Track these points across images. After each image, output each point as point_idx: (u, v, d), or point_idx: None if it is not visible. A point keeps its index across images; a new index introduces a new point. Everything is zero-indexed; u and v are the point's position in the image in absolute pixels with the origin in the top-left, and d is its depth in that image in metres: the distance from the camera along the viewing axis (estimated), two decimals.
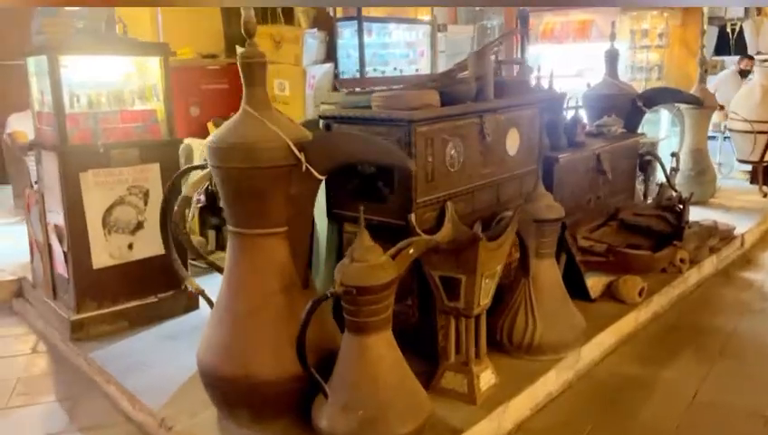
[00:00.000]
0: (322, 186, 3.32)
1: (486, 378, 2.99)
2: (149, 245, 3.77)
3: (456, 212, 3.24)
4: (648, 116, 7.43)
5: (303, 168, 2.54)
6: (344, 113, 3.15)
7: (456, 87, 3.20)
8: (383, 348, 2.50)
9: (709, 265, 4.88)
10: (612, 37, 5.31)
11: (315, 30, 5.45)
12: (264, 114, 2.59)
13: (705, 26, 7.09)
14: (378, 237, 3.21)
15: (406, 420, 2.46)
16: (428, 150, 3.03)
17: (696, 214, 5.76)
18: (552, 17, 7.83)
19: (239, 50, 2.64)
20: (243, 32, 2.65)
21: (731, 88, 7.43)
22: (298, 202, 2.63)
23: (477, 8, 7.93)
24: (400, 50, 6.15)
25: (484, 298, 2.92)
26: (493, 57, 3.93)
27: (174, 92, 5.22)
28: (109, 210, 3.66)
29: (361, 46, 5.43)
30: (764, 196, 6.81)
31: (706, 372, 3.40)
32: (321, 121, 3.25)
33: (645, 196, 5.30)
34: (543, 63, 7.69)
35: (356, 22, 5.43)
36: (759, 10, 12.00)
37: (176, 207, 2.88)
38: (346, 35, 5.58)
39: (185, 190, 2.91)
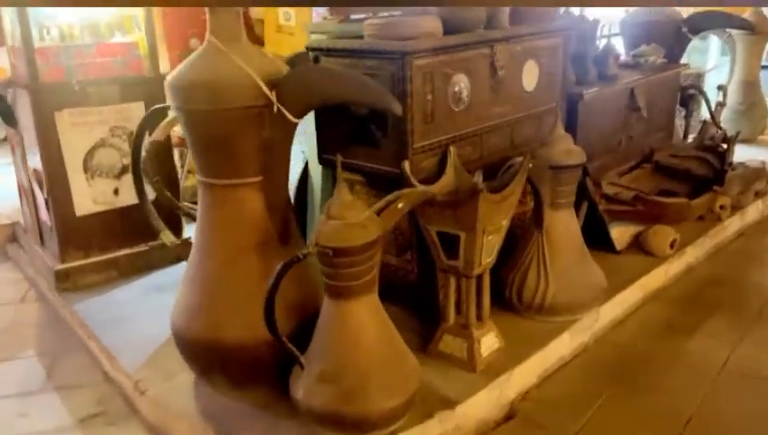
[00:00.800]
0: (313, 129, 3.01)
1: (489, 342, 2.71)
2: None
3: (461, 158, 2.89)
4: (695, 43, 6.77)
5: (275, 109, 2.21)
6: (333, 45, 2.77)
7: (462, 12, 2.76)
8: (365, 314, 2.21)
9: (754, 211, 4.42)
10: None
11: None
12: (232, 46, 2.24)
13: None
14: (373, 186, 2.93)
15: (391, 393, 2.20)
16: (427, 87, 2.65)
17: (743, 153, 5.27)
18: None
19: None
20: None
21: None
22: (272, 148, 2.30)
23: None
24: None
25: (487, 256, 2.60)
26: None
27: (171, 23, 4.90)
28: (90, 153, 3.41)
29: None
30: None
31: (741, 336, 3.04)
32: (311, 54, 2.88)
33: (685, 134, 4.80)
34: None
35: None
36: None
37: (144, 153, 2.60)
38: None
39: (154, 133, 2.61)
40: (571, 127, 3.52)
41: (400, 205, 2.32)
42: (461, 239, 2.51)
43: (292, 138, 2.36)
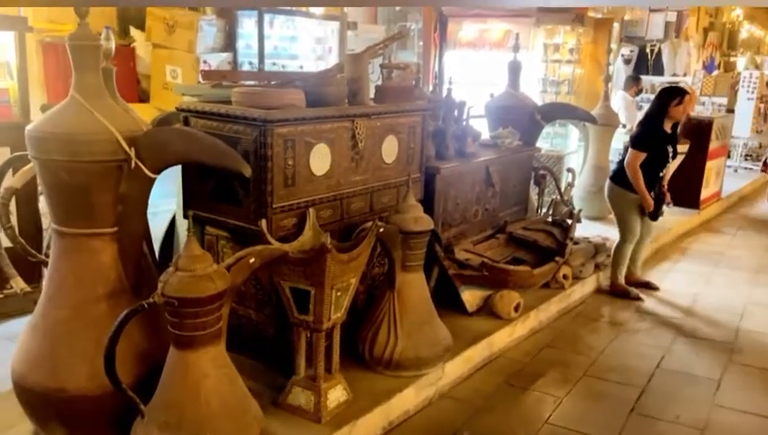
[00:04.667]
0: (179, 182, 3.13)
1: (336, 395, 2.86)
2: None
3: (322, 219, 3.10)
4: (557, 129, 7.56)
5: (133, 164, 2.33)
6: (203, 108, 2.94)
7: (326, 88, 3.04)
8: (209, 365, 2.31)
9: (593, 281, 4.92)
10: (515, 49, 5.29)
11: (213, 17, 5.20)
12: (95, 103, 2.36)
13: (613, 45, 7.20)
14: (237, 242, 3.07)
15: None
16: (288, 153, 2.87)
17: (593, 229, 5.84)
18: (472, 24, 7.82)
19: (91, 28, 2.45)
20: (75, 12, 2.40)
21: (625, 108, 7.61)
22: (129, 201, 2.41)
23: (398, 9, 7.83)
24: (308, 45, 5.95)
25: (336, 312, 2.78)
26: (380, 59, 3.82)
27: (52, 73, 4.89)
28: None
29: (261, 38, 5.21)
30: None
31: (566, 392, 3.38)
32: (181, 114, 3.03)
33: (539, 209, 5.31)
34: (458, 70, 7.70)
35: (257, 12, 5.21)
36: (677, 32, 12.48)
37: None
38: (247, 25, 5.34)
39: (10, 181, 2.63)
40: (429, 197, 3.85)
41: (251, 260, 2.47)
42: (311, 295, 2.68)
43: (149, 192, 2.47)
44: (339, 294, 2.74)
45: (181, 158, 2.43)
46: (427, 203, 3.82)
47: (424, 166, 3.76)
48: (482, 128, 5.04)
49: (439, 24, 7.74)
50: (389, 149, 3.46)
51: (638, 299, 4.74)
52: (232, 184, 2.89)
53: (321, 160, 3.03)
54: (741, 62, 15.60)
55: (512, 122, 4.98)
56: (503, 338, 3.84)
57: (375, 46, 3.53)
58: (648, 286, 4.97)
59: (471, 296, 3.97)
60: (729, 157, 9.33)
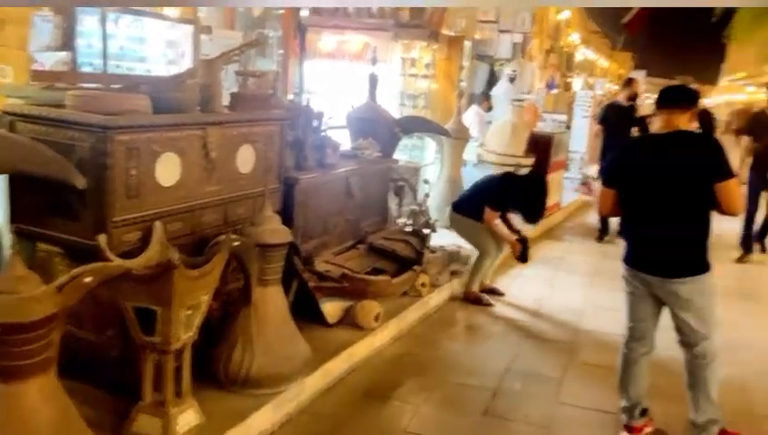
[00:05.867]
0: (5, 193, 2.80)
1: (187, 419, 2.69)
2: None
3: (172, 233, 2.91)
4: (415, 142, 7.79)
5: None
6: (31, 111, 2.66)
7: (175, 94, 2.87)
8: (38, 397, 2.07)
9: (449, 289, 5.09)
10: (373, 62, 5.38)
11: (50, 13, 4.75)
12: None
13: (465, 62, 7.57)
14: (73, 259, 2.80)
15: None
16: (131, 162, 2.67)
17: (448, 238, 6.04)
18: (331, 35, 7.84)
19: None
20: None
21: (477, 123, 8.05)
22: None
23: (256, 15, 7.67)
24: (158, 48, 5.63)
25: (186, 332, 2.62)
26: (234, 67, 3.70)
27: None
28: None
29: (104, 37, 4.85)
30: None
31: (423, 400, 3.44)
32: (6, 118, 2.71)
33: (397, 220, 5.41)
34: (318, 80, 7.70)
35: (99, 10, 4.84)
36: (523, 53, 13.42)
37: None
38: (88, 23, 4.94)
39: None
40: (288, 208, 3.78)
41: (87, 279, 2.25)
42: (158, 314, 2.50)
43: None
44: (189, 312, 2.59)
45: (2, 167, 2.16)
46: (287, 214, 3.75)
47: (282, 176, 3.68)
48: (344, 138, 5.06)
49: (299, 34, 7.68)
50: (245, 159, 3.34)
51: (489, 305, 4.98)
52: (66, 196, 2.63)
53: (169, 170, 2.85)
54: (577, 82, 17.12)
55: (372, 134, 5.05)
56: (364, 348, 3.84)
57: (230, 52, 3.41)
58: (494, 292, 5.24)
59: (332, 308, 3.94)
60: (567, 170, 10.15)
